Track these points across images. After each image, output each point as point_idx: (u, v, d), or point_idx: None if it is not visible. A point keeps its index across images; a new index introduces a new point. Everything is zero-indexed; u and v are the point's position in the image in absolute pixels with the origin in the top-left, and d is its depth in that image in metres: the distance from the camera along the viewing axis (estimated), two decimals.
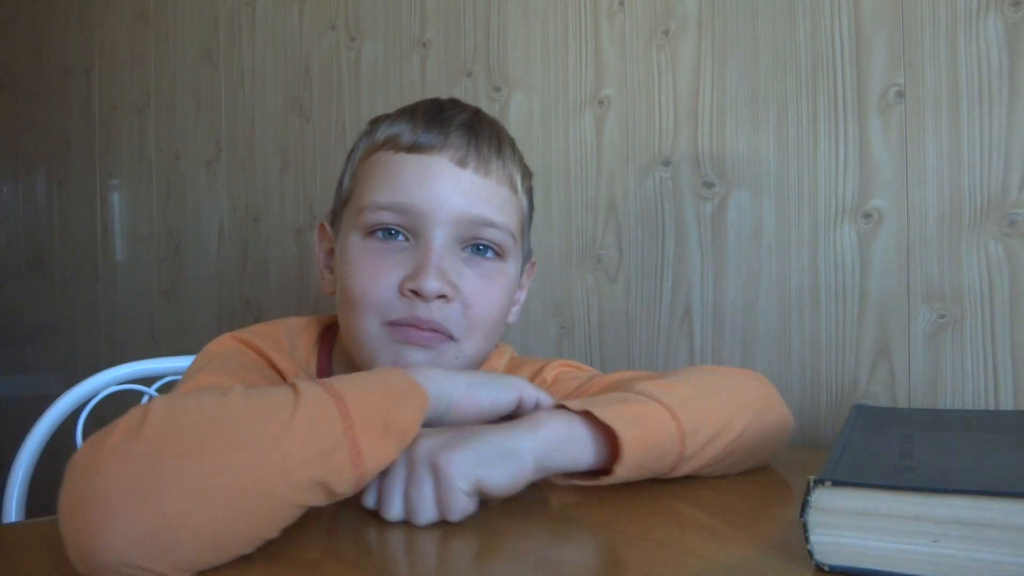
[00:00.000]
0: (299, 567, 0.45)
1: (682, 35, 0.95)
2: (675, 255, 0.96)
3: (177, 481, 0.42)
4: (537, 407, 0.61)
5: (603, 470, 0.58)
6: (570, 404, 0.58)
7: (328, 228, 0.77)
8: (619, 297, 1.01)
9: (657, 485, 0.62)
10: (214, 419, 0.45)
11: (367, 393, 0.50)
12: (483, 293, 0.69)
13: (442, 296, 0.66)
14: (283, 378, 0.69)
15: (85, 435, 0.95)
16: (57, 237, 2.28)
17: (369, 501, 0.53)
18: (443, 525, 0.52)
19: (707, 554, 0.47)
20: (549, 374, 0.75)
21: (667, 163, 0.96)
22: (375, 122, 0.74)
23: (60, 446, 0.94)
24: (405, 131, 0.69)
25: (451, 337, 0.68)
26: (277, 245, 1.52)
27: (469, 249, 0.69)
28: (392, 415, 0.50)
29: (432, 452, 0.52)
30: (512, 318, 0.77)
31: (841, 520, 0.41)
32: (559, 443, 0.56)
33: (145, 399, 1.01)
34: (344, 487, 0.47)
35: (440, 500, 0.52)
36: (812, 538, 0.41)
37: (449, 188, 0.67)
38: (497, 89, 1.12)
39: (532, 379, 0.73)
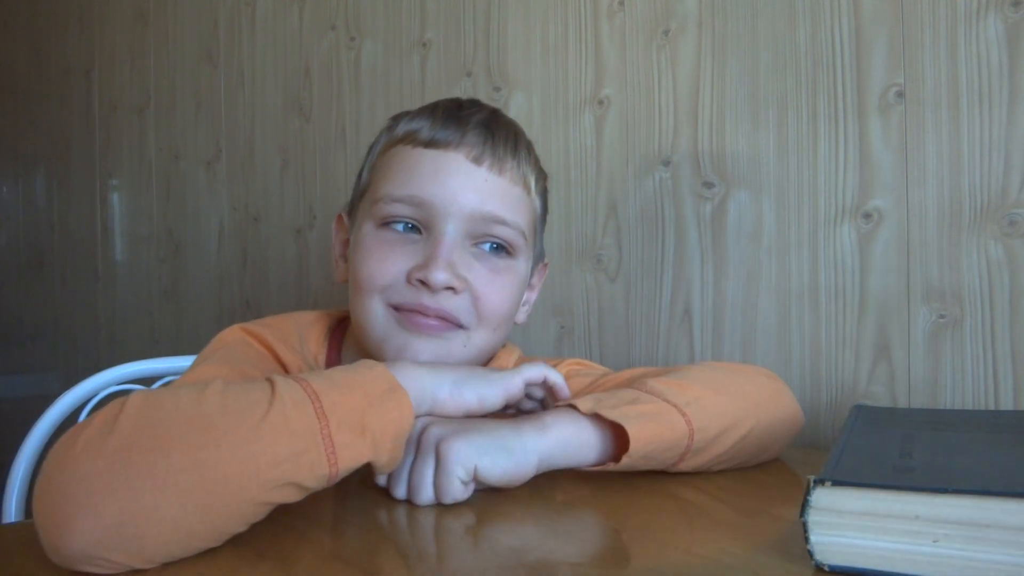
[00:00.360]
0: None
1: (682, 35, 0.95)
2: (675, 255, 0.96)
3: (146, 476, 0.43)
4: (546, 383, 0.64)
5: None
6: (580, 404, 0.59)
7: (346, 219, 0.79)
8: (619, 297, 1.01)
9: (659, 484, 0.62)
10: (188, 415, 0.46)
11: (345, 393, 0.50)
12: (492, 286, 0.70)
13: (450, 288, 0.67)
14: (285, 370, 0.69)
15: None
16: (57, 237, 2.28)
17: (381, 480, 0.57)
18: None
19: (707, 554, 0.47)
20: (561, 371, 0.75)
21: (667, 163, 0.96)
22: (396, 118, 0.76)
23: None
24: (424, 127, 0.71)
25: (460, 325, 0.69)
26: (277, 245, 1.52)
27: (480, 245, 0.70)
28: (369, 416, 0.50)
29: (439, 438, 0.55)
30: (521, 318, 0.78)
31: (841, 520, 0.41)
32: (565, 445, 0.58)
33: None
34: (316, 484, 0.48)
35: (436, 483, 0.54)
36: (812, 538, 0.41)
37: (463, 184, 0.69)
38: (497, 89, 1.12)
39: None
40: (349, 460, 0.49)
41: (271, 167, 1.53)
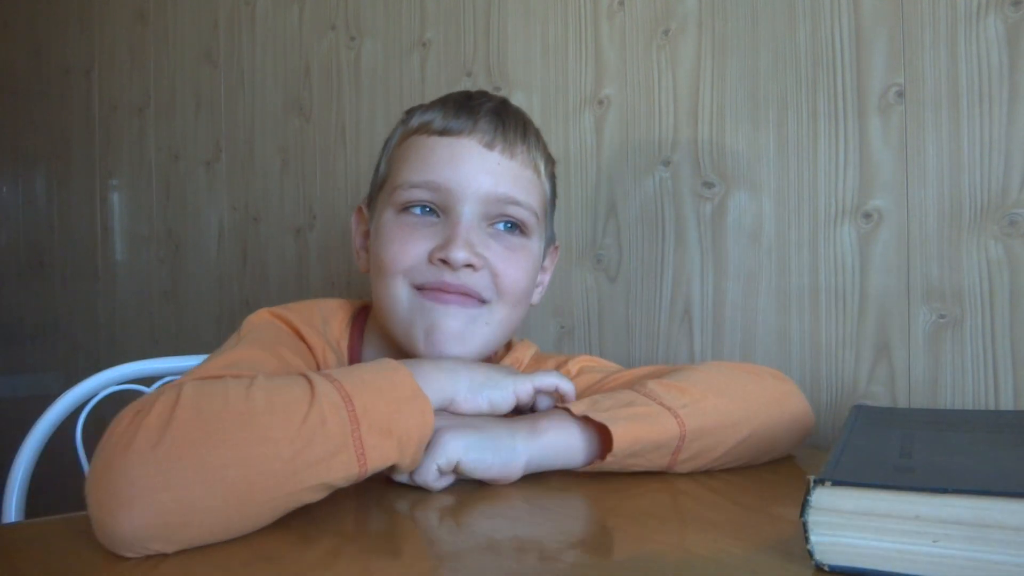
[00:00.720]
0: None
1: (682, 35, 0.95)
2: (675, 255, 0.96)
3: (196, 470, 0.46)
4: (557, 391, 0.68)
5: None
6: (573, 407, 0.63)
7: (365, 211, 0.82)
8: (619, 297, 1.01)
9: (657, 485, 0.62)
10: (237, 410, 0.49)
11: (375, 396, 0.54)
12: (509, 263, 0.73)
13: (469, 265, 0.70)
14: (311, 351, 0.73)
15: (85, 435, 0.95)
16: (57, 237, 2.28)
17: (403, 478, 0.59)
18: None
19: (707, 554, 0.47)
20: (573, 367, 0.79)
21: (667, 163, 0.96)
22: (410, 112, 0.78)
23: (60, 446, 0.94)
24: (437, 117, 0.74)
25: (481, 300, 0.72)
26: (277, 245, 1.52)
27: (496, 226, 0.74)
28: (395, 420, 0.54)
29: (438, 428, 0.59)
30: (536, 299, 0.81)
31: (841, 520, 0.41)
32: (555, 449, 0.62)
33: None
34: (344, 483, 0.52)
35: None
36: (812, 538, 0.41)
37: (477, 168, 0.72)
38: (497, 89, 1.12)
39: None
40: (377, 461, 0.53)
41: (271, 167, 1.53)
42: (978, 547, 0.38)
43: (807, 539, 0.42)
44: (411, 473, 0.58)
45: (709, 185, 0.93)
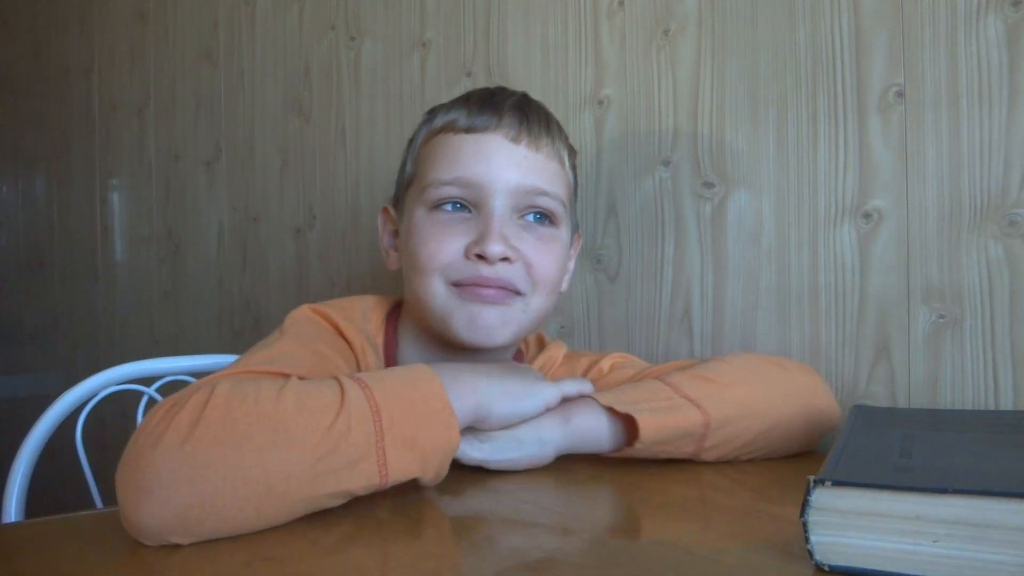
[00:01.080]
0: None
1: (682, 35, 0.95)
2: (675, 255, 0.96)
3: (219, 469, 0.48)
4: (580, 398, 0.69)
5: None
6: (599, 398, 0.67)
7: (392, 211, 0.84)
8: (619, 297, 1.01)
9: (657, 483, 0.62)
10: (266, 413, 0.50)
11: (403, 407, 0.55)
12: (542, 254, 0.75)
13: (505, 259, 0.72)
14: (351, 347, 0.74)
15: (85, 435, 0.95)
16: (57, 237, 2.28)
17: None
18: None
19: (707, 554, 0.47)
20: (606, 364, 0.82)
21: (667, 163, 0.96)
22: (432, 112, 0.81)
23: (60, 446, 0.94)
24: (461, 116, 0.76)
25: (517, 292, 0.74)
26: (277, 245, 1.52)
27: (526, 217, 0.76)
28: (421, 435, 0.55)
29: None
30: (564, 286, 0.83)
31: (841, 520, 0.41)
32: (584, 434, 0.66)
33: (145, 399, 1.01)
34: (364, 492, 0.53)
35: None
36: (812, 538, 0.41)
37: (505, 162, 0.74)
38: None
39: (589, 369, 0.81)
40: (398, 474, 0.54)
41: (271, 167, 1.53)
42: (978, 547, 0.38)
43: (807, 539, 0.42)
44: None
45: (709, 185, 0.93)
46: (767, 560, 0.45)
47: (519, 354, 0.85)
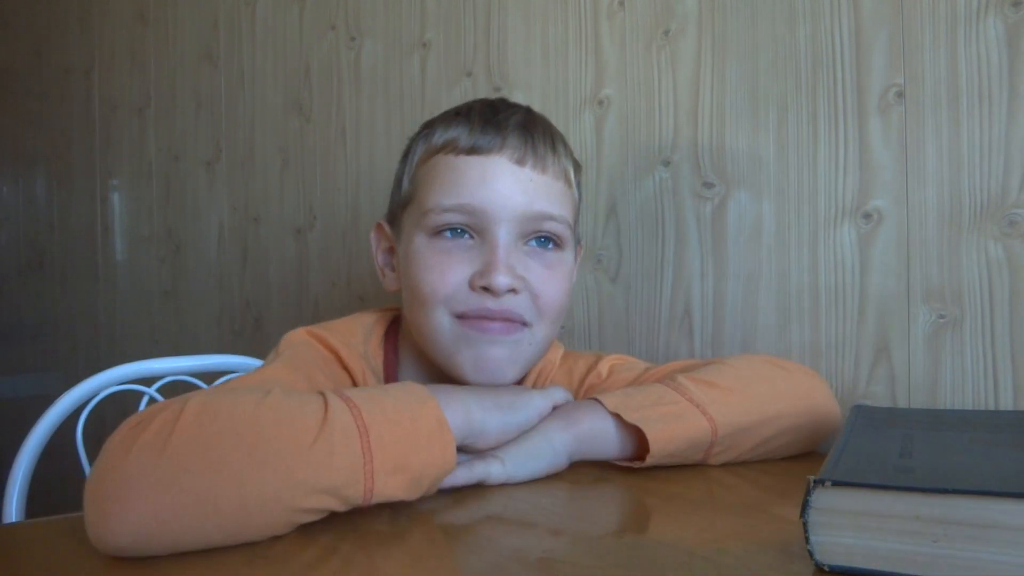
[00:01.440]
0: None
1: (682, 35, 0.95)
2: (675, 255, 0.96)
3: (189, 492, 0.45)
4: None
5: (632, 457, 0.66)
6: (605, 401, 0.65)
7: (386, 227, 0.79)
8: (619, 297, 1.01)
9: (656, 484, 0.62)
10: (240, 432, 0.47)
11: (394, 428, 0.52)
12: (549, 283, 0.72)
13: (511, 290, 0.69)
14: (351, 375, 0.72)
15: (85, 435, 0.95)
16: (57, 237, 2.28)
17: None
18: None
19: (707, 554, 0.47)
20: (604, 367, 0.79)
21: (667, 163, 0.96)
22: (430, 126, 0.76)
23: (60, 446, 0.94)
24: (462, 135, 0.72)
25: (524, 323, 0.71)
26: (277, 245, 1.52)
27: (531, 242, 0.73)
28: (413, 457, 0.52)
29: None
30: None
31: (841, 520, 0.41)
32: (591, 438, 0.65)
33: (145, 399, 1.01)
34: (345, 509, 0.51)
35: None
36: (812, 538, 0.41)
37: (510, 187, 0.70)
38: (497, 89, 1.12)
39: (587, 373, 0.79)
40: (383, 497, 0.51)
41: (271, 167, 1.53)
42: (978, 547, 0.38)
43: (807, 539, 0.42)
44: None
45: (709, 185, 0.93)
46: (767, 560, 0.45)
47: None
